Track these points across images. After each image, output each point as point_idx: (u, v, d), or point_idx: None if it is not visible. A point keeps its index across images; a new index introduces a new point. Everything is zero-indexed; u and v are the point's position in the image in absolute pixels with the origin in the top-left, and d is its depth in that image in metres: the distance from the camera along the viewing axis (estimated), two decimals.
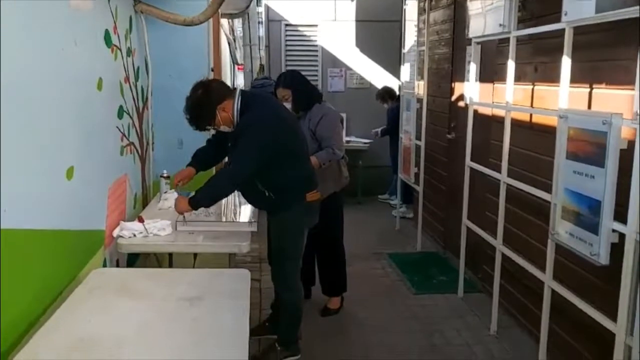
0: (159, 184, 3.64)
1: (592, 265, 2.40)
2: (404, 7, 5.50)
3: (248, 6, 5.35)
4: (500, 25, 3.25)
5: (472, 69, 3.81)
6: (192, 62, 4.05)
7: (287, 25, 7.21)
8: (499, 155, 3.41)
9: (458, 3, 4.64)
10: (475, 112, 3.93)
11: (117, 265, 2.91)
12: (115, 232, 2.77)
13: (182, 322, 1.82)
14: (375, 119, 6.90)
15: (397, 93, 6.49)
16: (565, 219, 2.60)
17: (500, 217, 3.40)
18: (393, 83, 6.99)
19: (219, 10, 4.71)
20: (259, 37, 6.72)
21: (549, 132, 2.97)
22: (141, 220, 2.87)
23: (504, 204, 3.37)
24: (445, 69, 4.97)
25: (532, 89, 3.38)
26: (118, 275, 2.31)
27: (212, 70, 4.58)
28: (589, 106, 2.78)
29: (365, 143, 7.03)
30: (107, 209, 2.81)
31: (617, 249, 2.27)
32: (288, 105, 3.30)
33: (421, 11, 5.16)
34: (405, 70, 5.54)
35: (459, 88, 4.72)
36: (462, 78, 4.54)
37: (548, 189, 2.78)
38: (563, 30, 2.65)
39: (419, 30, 5.33)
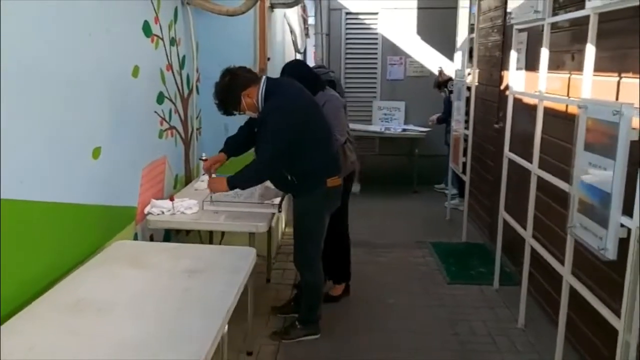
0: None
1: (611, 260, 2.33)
2: None
3: None
4: (535, 11, 3.16)
5: (513, 56, 3.72)
6: (238, 51, 4.22)
7: (347, 13, 7.26)
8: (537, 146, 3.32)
9: None
10: (519, 101, 3.84)
11: (152, 240, 3.14)
12: (146, 209, 2.99)
13: (174, 291, 1.98)
14: (435, 107, 6.81)
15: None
16: (580, 211, 2.54)
17: (530, 208, 3.33)
18: (452, 71, 6.88)
19: (268, 1, 4.88)
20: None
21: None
22: (172, 199, 3.08)
23: (534, 195, 3.30)
24: (496, 56, 4.86)
25: (569, 78, 3.27)
26: (136, 247, 2.51)
27: (268, 59, 4.76)
28: (617, 96, 2.67)
29: (422, 132, 6.98)
30: (140, 188, 3.03)
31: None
32: None
33: None
34: (458, 58, 5.46)
35: (508, 77, 4.60)
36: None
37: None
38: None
39: (471, 17, 5.22)
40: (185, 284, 2.04)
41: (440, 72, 6.61)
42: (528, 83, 3.89)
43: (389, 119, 7.28)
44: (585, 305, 2.74)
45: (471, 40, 5.09)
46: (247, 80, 2.96)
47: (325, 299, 3.79)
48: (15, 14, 1.84)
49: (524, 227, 3.39)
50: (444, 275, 4.30)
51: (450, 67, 6.96)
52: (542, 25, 3.13)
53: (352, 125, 7.12)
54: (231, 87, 2.94)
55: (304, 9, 7.72)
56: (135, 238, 2.93)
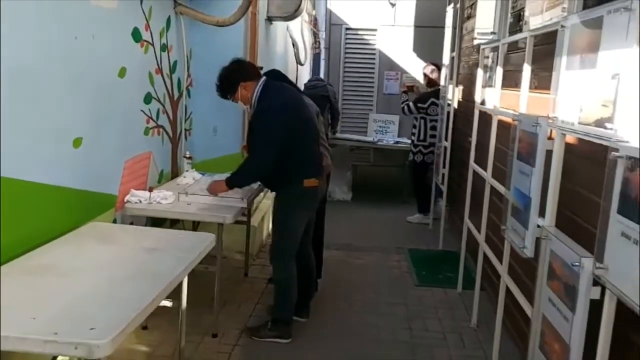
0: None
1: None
2: (446, 14, 5.67)
3: (297, 10, 5.76)
4: (492, 32, 3.42)
5: (479, 73, 3.98)
6: (229, 59, 4.52)
7: (347, 29, 7.57)
8: (497, 157, 3.55)
9: (477, 11, 4.77)
10: (484, 115, 4.07)
11: None
12: (126, 198, 3.28)
13: (129, 263, 2.24)
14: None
15: None
16: (512, 215, 2.77)
17: (484, 214, 3.55)
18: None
19: (265, 14, 5.20)
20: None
21: None
22: (151, 190, 3.37)
23: (488, 201, 3.53)
24: (475, 75, 5.10)
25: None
26: (108, 228, 2.80)
27: (261, 69, 5.06)
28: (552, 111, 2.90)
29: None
30: (122, 178, 3.32)
31: None
32: None
33: (457, 19, 5.31)
34: (443, 75, 5.71)
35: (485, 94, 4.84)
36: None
37: None
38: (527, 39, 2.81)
39: (454, 37, 5.48)
40: (140, 259, 2.31)
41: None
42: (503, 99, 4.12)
43: (384, 132, 7.54)
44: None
45: (452, 59, 5.34)
46: (249, 74, 3.29)
47: None
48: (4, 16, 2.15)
49: (492, 234, 3.62)
50: (413, 278, 4.52)
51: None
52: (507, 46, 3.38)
53: (348, 136, 7.47)
54: (234, 73, 3.28)
55: (316, 24, 8.04)
56: (115, 223, 3.21)
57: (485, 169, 3.62)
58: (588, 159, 2.36)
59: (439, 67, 6.23)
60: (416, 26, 7.41)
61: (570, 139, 2.40)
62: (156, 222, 3.62)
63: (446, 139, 5.32)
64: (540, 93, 3.00)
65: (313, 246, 3.87)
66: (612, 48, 1.78)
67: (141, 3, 3.51)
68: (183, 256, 2.38)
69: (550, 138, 2.36)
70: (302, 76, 8.40)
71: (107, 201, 3.16)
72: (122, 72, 3.27)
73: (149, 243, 2.53)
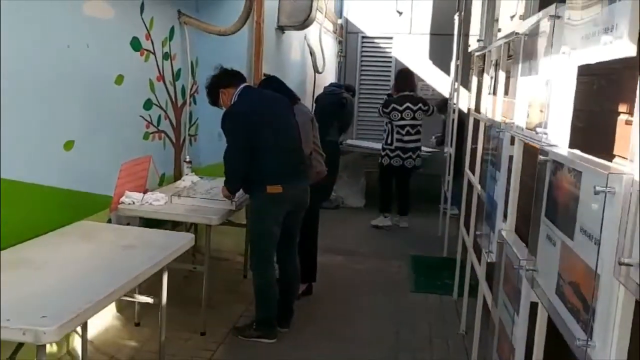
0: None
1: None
2: (454, 22, 5.69)
3: (307, 19, 5.86)
4: (479, 40, 3.45)
5: (473, 80, 4.00)
6: (234, 67, 4.65)
7: (363, 37, 7.65)
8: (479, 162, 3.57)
9: (471, 19, 4.79)
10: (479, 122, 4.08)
11: None
12: (121, 199, 3.44)
13: (100, 259, 2.38)
14: (443, 129, 7.07)
15: None
16: (485, 220, 2.79)
17: (472, 222, 3.56)
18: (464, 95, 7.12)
19: (276, 23, 5.34)
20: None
21: None
22: (145, 192, 3.52)
23: (476, 207, 3.54)
24: (480, 81, 5.10)
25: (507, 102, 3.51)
26: (94, 227, 2.94)
27: (264, 75, 5.20)
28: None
29: (428, 152, 7.21)
30: (118, 180, 3.48)
31: None
32: None
33: (461, 26, 5.32)
34: (450, 82, 5.73)
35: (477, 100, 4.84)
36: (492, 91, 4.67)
37: None
38: None
39: (458, 45, 5.48)
40: (113, 255, 2.44)
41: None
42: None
43: None
44: None
45: (457, 66, 5.35)
46: (227, 81, 3.46)
47: None
48: None
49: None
50: (410, 284, 4.54)
51: (460, 91, 7.24)
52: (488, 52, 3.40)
53: (361, 143, 7.52)
54: (215, 81, 3.49)
55: (341, 31, 8.15)
56: (109, 223, 3.37)
57: (471, 175, 3.64)
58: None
59: (405, 74, 6.33)
60: (432, 34, 7.43)
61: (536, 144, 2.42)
62: (153, 223, 3.76)
63: (451, 146, 5.32)
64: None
65: (303, 251, 3.94)
66: (545, 55, 1.82)
67: (141, 14, 3.68)
68: (156, 253, 2.50)
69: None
70: (320, 84, 8.53)
71: (101, 202, 3.32)
72: (119, 80, 3.44)
73: (127, 241, 2.66)
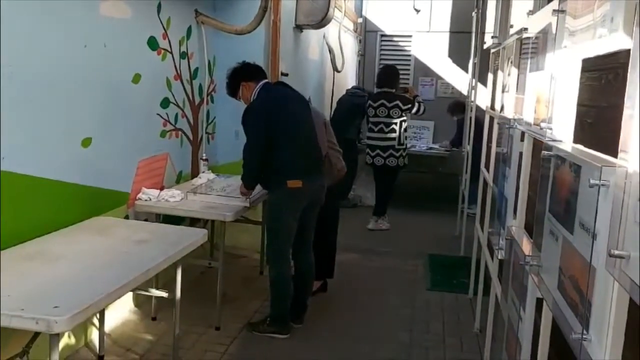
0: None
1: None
2: (472, 19, 5.66)
3: (324, 18, 5.88)
4: (493, 36, 3.43)
5: (489, 77, 3.97)
6: None
7: (382, 35, 7.64)
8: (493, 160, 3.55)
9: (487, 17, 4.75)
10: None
11: None
12: (139, 195, 3.51)
13: (114, 253, 2.43)
14: (457, 130, 7.03)
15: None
16: (496, 217, 2.78)
17: (486, 220, 3.55)
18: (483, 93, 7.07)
19: (294, 22, 5.37)
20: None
21: None
22: (161, 189, 3.58)
23: (490, 206, 3.52)
24: (495, 79, 5.06)
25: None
26: (110, 222, 3.00)
27: (286, 75, 5.25)
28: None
29: (447, 151, 7.19)
30: (135, 177, 3.55)
31: None
32: None
33: (479, 23, 5.29)
34: (467, 80, 5.69)
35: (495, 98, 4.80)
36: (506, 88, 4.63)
37: None
38: None
39: (476, 42, 5.45)
40: (126, 249, 2.50)
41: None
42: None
43: (418, 137, 7.54)
44: None
45: (474, 64, 5.32)
46: (250, 74, 3.50)
47: None
48: (14, 23, 2.40)
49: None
50: (426, 282, 4.53)
51: (479, 89, 7.19)
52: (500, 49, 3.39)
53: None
54: (236, 73, 3.52)
55: (362, 31, 8.16)
56: (127, 219, 3.44)
57: (487, 174, 3.62)
58: None
59: (384, 71, 6.19)
60: (451, 32, 7.39)
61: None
62: (171, 220, 3.82)
63: (468, 145, 5.29)
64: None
65: (320, 248, 3.96)
66: (550, 50, 1.81)
67: (158, 13, 3.75)
68: (168, 248, 2.55)
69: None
70: (340, 83, 8.55)
71: (119, 198, 3.39)
72: (136, 78, 3.50)
73: (141, 236, 2.71)
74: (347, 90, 6.96)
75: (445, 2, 7.32)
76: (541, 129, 1.75)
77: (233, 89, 3.53)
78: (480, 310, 3.64)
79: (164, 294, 2.92)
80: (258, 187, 3.63)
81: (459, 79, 7.44)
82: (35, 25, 2.56)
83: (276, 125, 3.31)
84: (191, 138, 4.39)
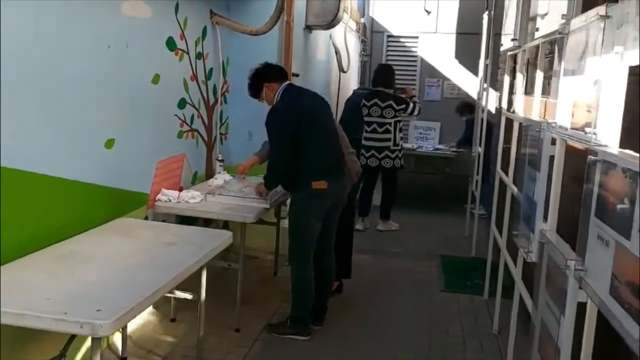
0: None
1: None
2: (482, 21, 5.67)
3: (334, 19, 5.89)
4: (513, 39, 3.43)
5: (506, 79, 3.98)
6: None
7: (389, 36, 7.65)
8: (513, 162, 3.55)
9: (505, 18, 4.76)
10: (511, 121, 4.06)
11: None
12: (158, 196, 3.49)
13: (144, 255, 2.42)
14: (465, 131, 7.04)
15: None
16: (523, 220, 2.78)
17: (505, 220, 3.55)
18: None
19: (304, 22, 5.37)
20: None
21: None
22: (181, 190, 3.57)
23: (509, 207, 3.53)
24: (512, 81, 5.07)
25: (546, 101, 3.49)
26: (134, 224, 2.99)
27: (297, 75, 5.25)
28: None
29: (453, 152, 7.20)
30: (154, 178, 3.54)
31: None
32: None
33: (492, 25, 5.30)
34: (478, 82, 5.70)
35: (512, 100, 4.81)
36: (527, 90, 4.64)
37: None
38: None
39: (487, 44, 5.46)
40: (156, 251, 2.49)
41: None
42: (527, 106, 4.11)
43: (424, 138, 7.56)
44: None
45: (486, 66, 5.33)
46: (274, 76, 3.50)
47: None
48: (40, 23, 2.39)
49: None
50: (440, 283, 4.54)
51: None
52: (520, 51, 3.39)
53: None
54: (259, 74, 3.51)
55: (365, 31, 8.16)
56: (146, 220, 3.43)
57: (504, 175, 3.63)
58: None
59: (379, 69, 6.07)
60: (458, 33, 7.40)
61: (578, 144, 2.40)
62: (187, 220, 3.81)
63: (480, 146, 5.31)
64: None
65: (337, 249, 3.95)
66: (594, 54, 1.82)
67: (176, 14, 3.73)
68: (196, 250, 2.54)
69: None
70: (346, 83, 8.56)
71: (139, 199, 3.38)
72: (155, 79, 3.49)
73: (167, 238, 2.71)
74: (355, 90, 6.96)
75: (452, 3, 7.33)
76: (585, 133, 1.75)
77: (256, 90, 3.51)
78: (499, 311, 3.64)
79: (188, 296, 2.92)
80: (277, 188, 3.64)
81: (465, 81, 7.47)
82: (60, 25, 2.54)
83: (301, 127, 3.32)
84: (206, 139, 4.38)
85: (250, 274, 4.35)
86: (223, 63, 4.59)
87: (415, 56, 7.60)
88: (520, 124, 3.17)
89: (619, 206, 1.51)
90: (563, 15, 2.27)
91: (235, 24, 4.42)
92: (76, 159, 2.73)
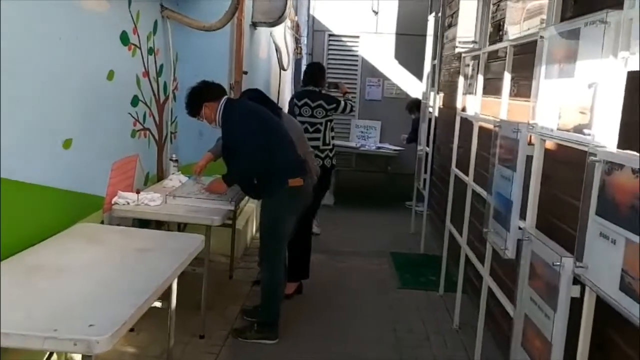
0: None
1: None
2: (427, 22, 5.79)
3: (281, 16, 5.82)
4: (473, 42, 3.52)
5: (461, 81, 4.08)
6: (214, 63, 4.59)
7: (330, 35, 7.67)
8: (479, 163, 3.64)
9: (458, 20, 4.89)
10: (465, 121, 4.17)
11: None
12: (114, 200, 3.30)
13: (120, 263, 2.27)
14: (408, 127, 7.18)
15: None
16: (493, 217, 2.86)
17: (466, 218, 3.64)
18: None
19: (250, 19, 5.26)
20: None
21: None
22: (137, 192, 3.39)
23: (470, 205, 3.62)
24: (456, 82, 5.22)
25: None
26: (96, 229, 2.81)
27: (246, 73, 5.14)
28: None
29: (395, 150, 7.33)
30: (110, 180, 3.34)
31: None
32: None
33: (439, 27, 5.44)
34: (424, 82, 5.83)
35: (466, 101, 4.96)
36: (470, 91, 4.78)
37: None
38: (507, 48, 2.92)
39: (435, 45, 5.59)
40: (132, 259, 2.34)
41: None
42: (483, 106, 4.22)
43: (365, 137, 7.64)
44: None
45: (433, 66, 5.45)
46: (212, 95, 3.43)
47: None
48: None
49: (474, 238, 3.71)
50: (396, 281, 4.60)
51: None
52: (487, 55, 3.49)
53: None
54: (197, 94, 3.44)
55: (298, 29, 8.11)
56: (102, 224, 3.23)
57: (466, 174, 3.72)
58: (565, 164, 2.45)
59: (310, 68, 5.79)
60: (398, 34, 7.54)
61: (549, 144, 2.49)
62: (142, 224, 3.62)
63: (427, 145, 5.42)
64: (520, 100, 3.10)
65: (296, 249, 3.93)
66: (588, 58, 1.88)
67: (129, 7, 3.54)
68: (174, 256, 2.41)
69: (530, 144, 2.46)
70: (285, 81, 8.50)
71: (95, 202, 3.18)
72: (110, 75, 3.29)
73: (139, 244, 2.55)
74: (298, 89, 6.89)
75: (392, 4, 7.44)
76: (585, 135, 1.81)
77: (195, 110, 3.46)
78: (459, 307, 3.73)
79: (158, 304, 2.77)
80: (235, 188, 3.55)
81: (405, 80, 7.61)
82: (14, 21, 2.32)
83: (265, 128, 3.30)
84: (157, 138, 4.20)
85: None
86: (172, 59, 4.41)
87: (357, 56, 7.67)
88: (495, 125, 3.24)
89: (625, 204, 1.57)
90: (542, 19, 2.34)
91: (188, 19, 4.26)
92: (35, 161, 2.52)
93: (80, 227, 2.78)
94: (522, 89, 3.18)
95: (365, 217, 6.79)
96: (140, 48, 3.75)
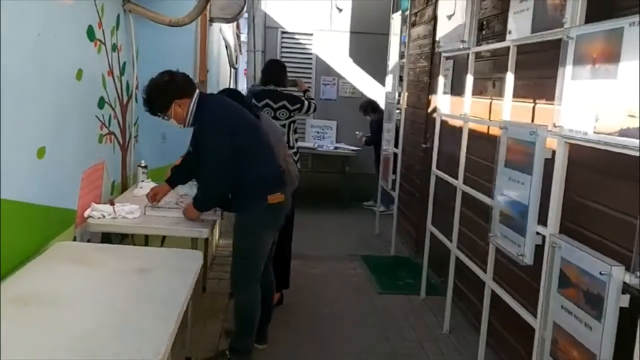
0: None
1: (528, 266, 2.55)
2: (391, 21, 5.72)
3: (240, 12, 5.58)
4: (462, 41, 3.45)
5: (440, 81, 4.01)
6: (178, 61, 4.15)
7: (283, 32, 7.46)
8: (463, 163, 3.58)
9: (438, 20, 4.85)
10: (446, 123, 4.11)
11: None
12: (87, 213, 2.97)
13: (124, 287, 2.00)
14: (364, 127, 7.10)
15: (379, 106, 6.66)
16: (501, 222, 2.79)
17: (456, 221, 3.57)
18: (383, 94, 7.21)
19: (208, 15, 4.98)
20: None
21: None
22: (112, 203, 3.08)
23: (459, 209, 3.55)
24: (424, 81, 5.18)
25: (490, 103, 3.57)
26: (78, 248, 2.51)
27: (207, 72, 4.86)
28: (533, 119, 2.97)
29: (353, 150, 7.23)
30: (81, 191, 3.01)
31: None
32: None
33: (405, 26, 5.37)
34: (389, 81, 5.75)
35: (435, 100, 4.91)
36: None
37: None
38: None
39: (402, 44, 5.52)
40: (133, 281, 2.07)
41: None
42: (453, 106, 4.17)
43: (322, 137, 7.49)
44: (505, 311, 2.98)
45: (401, 66, 5.38)
46: (184, 90, 2.91)
47: None
48: None
49: (450, 240, 3.64)
50: (375, 286, 4.48)
51: (379, 90, 7.33)
52: (468, 54, 3.42)
53: None
54: (166, 89, 2.88)
55: (238, 26, 7.85)
56: (75, 241, 2.90)
57: (452, 177, 3.65)
58: (587, 168, 2.40)
59: (269, 66, 5.36)
60: (352, 32, 7.44)
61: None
62: (107, 238, 3.28)
63: (395, 146, 5.35)
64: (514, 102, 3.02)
65: (277, 258, 3.70)
66: (635, 59, 1.81)
67: None
68: (181, 277, 2.18)
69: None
70: (239, 79, 8.24)
71: (67, 217, 2.84)
72: (79, 74, 2.96)
73: (135, 264, 2.28)
74: (250, 88, 6.62)
75: (346, 2, 7.35)
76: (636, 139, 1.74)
77: (160, 108, 2.91)
78: (449, 312, 3.66)
79: None
80: None
81: (359, 80, 7.53)
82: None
83: (240, 136, 2.89)
84: (121, 142, 3.86)
85: None
86: (134, 57, 4.08)
87: (311, 54, 7.50)
88: (500, 126, 3.18)
89: None
90: (565, 19, 2.27)
91: (152, 13, 3.93)
92: (11, 173, 2.19)
93: (58, 247, 2.46)
94: (503, 89, 3.14)
95: (326, 219, 6.65)
96: (105, 44, 3.42)
